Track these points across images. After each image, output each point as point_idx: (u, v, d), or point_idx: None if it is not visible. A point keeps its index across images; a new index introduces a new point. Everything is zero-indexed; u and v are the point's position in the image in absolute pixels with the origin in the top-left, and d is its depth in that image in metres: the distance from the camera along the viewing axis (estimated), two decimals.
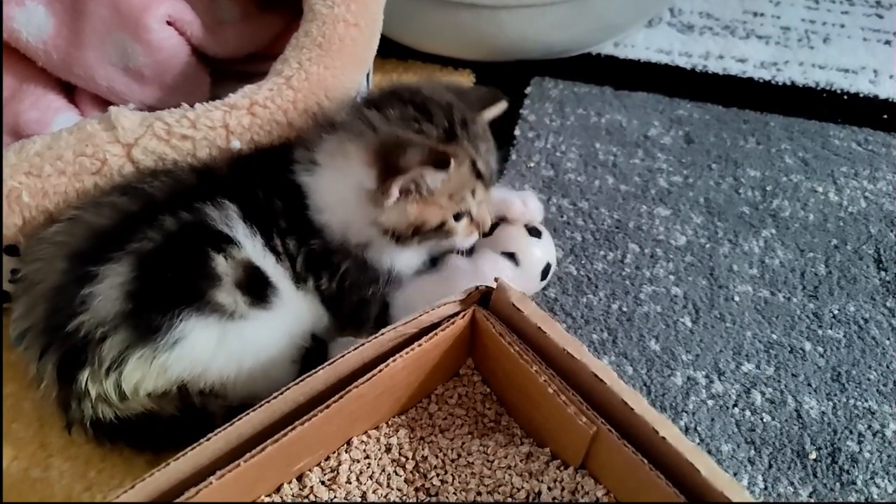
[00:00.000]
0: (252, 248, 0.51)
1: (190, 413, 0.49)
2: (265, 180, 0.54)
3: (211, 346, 0.48)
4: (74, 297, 0.46)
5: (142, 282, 0.46)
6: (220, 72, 0.74)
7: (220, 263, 0.49)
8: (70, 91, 0.71)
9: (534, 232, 0.62)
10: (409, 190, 0.51)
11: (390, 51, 0.89)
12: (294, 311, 0.53)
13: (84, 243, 0.48)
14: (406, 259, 0.57)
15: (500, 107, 0.59)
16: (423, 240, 0.54)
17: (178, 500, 0.40)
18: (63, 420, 0.50)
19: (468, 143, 0.53)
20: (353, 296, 0.55)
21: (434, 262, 0.60)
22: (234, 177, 0.54)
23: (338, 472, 0.48)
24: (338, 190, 0.52)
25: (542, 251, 0.61)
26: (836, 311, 0.64)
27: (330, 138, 0.53)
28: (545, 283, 0.63)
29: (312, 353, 0.54)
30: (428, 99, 0.54)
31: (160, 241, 0.48)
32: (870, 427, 0.56)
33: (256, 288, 0.50)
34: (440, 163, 0.49)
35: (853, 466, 0.53)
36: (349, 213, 0.53)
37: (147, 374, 0.47)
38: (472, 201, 0.54)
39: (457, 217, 0.54)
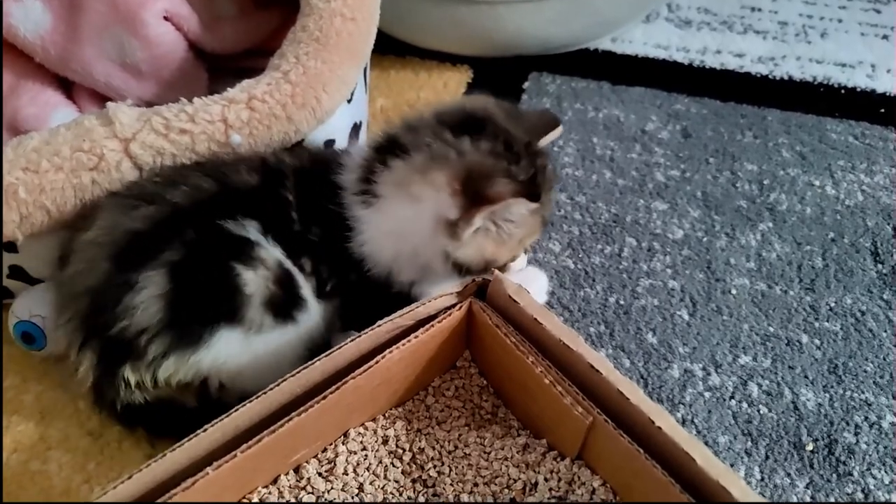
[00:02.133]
0: (275, 252, 0.50)
1: (208, 404, 0.50)
2: (303, 206, 0.51)
3: (237, 351, 0.49)
4: (117, 303, 0.47)
5: (179, 293, 0.47)
6: (218, 67, 0.74)
7: (249, 279, 0.48)
8: (68, 87, 0.71)
9: None
10: (489, 228, 0.50)
11: (388, 46, 0.89)
12: (314, 319, 0.52)
13: (123, 245, 0.48)
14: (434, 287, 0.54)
15: (557, 132, 0.58)
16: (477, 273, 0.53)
17: (174, 491, 0.40)
18: (97, 405, 0.51)
19: (544, 194, 0.53)
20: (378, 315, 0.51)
21: None
22: (262, 190, 0.51)
23: (335, 464, 0.48)
24: (405, 220, 0.50)
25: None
26: (832, 304, 0.64)
27: (399, 165, 0.50)
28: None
29: (321, 348, 0.54)
30: (515, 137, 0.52)
31: (186, 251, 0.48)
32: (866, 419, 0.56)
33: (284, 305, 0.50)
34: (532, 195, 0.48)
35: (850, 458, 0.53)
36: (412, 247, 0.51)
37: (181, 369, 0.49)
38: (529, 245, 0.55)
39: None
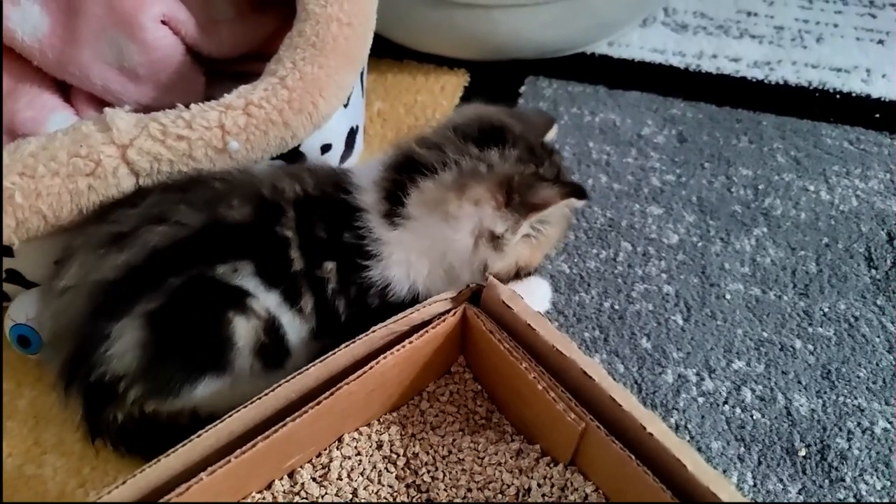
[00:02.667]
0: (266, 300, 0.48)
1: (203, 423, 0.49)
2: (308, 241, 0.49)
3: (223, 393, 0.48)
4: (95, 350, 0.46)
5: (157, 343, 0.46)
6: (215, 71, 0.74)
7: (241, 328, 0.47)
8: (65, 90, 0.71)
9: None
10: (528, 234, 0.50)
11: (385, 50, 0.90)
12: (304, 358, 0.50)
13: (100, 294, 0.47)
14: None
15: (554, 130, 0.59)
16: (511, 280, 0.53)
17: (169, 496, 0.41)
18: (88, 436, 0.50)
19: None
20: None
21: None
22: (257, 231, 0.49)
23: (329, 469, 0.48)
24: (441, 241, 0.49)
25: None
26: (826, 309, 0.64)
27: (429, 185, 0.49)
28: None
29: None
30: (532, 142, 0.52)
31: (168, 300, 0.46)
32: (859, 424, 0.56)
33: (273, 352, 0.49)
34: (580, 192, 0.49)
35: (842, 463, 0.53)
36: (447, 263, 0.50)
37: (164, 407, 0.48)
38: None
39: None
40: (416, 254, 0.50)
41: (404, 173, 0.50)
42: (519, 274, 0.52)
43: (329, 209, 0.50)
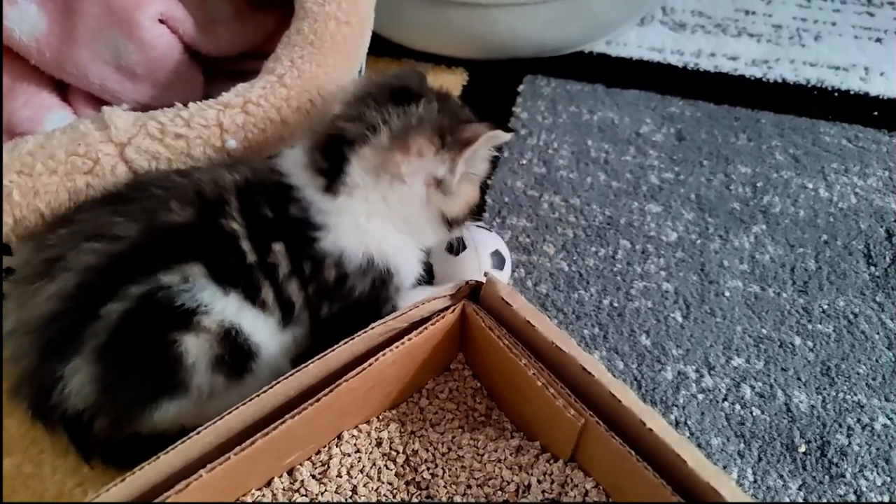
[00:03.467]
0: (224, 306, 0.46)
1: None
2: (255, 228, 0.48)
3: (193, 414, 0.47)
4: (51, 391, 0.45)
5: (110, 375, 0.45)
6: (213, 70, 0.74)
7: (191, 346, 0.45)
8: (63, 89, 0.71)
9: (499, 259, 0.62)
10: (466, 172, 0.52)
11: (383, 49, 0.90)
12: (274, 358, 0.50)
13: (44, 335, 0.45)
14: (414, 267, 0.55)
15: (428, 80, 0.60)
16: (467, 222, 0.56)
17: (167, 494, 0.40)
18: (82, 458, 0.51)
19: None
20: (363, 315, 0.50)
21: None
22: (198, 227, 0.47)
23: (328, 466, 0.48)
24: (393, 201, 0.50)
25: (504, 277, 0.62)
26: (825, 306, 0.64)
27: (366, 150, 0.50)
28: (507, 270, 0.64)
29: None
30: (432, 92, 0.55)
31: (113, 328, 0.44)
32: (859, 420, 0.56)
33: (236, 361, 0.47)
34: (505, 127, 0.52)
35: (842, 459, 0.53)
36: (403, 220, 0.51)
37: (138, 428, 0.48)
38: None
39: None
40: (367, 218, 0.51)
41: (335, 149, 0.51)
42: (470, 212, 0.55)
43: (270, 190, 0.50)
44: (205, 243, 0.47)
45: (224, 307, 0.46)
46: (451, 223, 0.53)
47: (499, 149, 0.78)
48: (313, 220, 0.49)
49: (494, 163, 0.77)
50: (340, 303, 0.51)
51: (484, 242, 0.62)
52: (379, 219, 0.51)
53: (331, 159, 0.51)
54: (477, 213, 0.58)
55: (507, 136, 0.52)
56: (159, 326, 0.45)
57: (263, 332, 0.49)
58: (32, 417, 0.48)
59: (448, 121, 0.51)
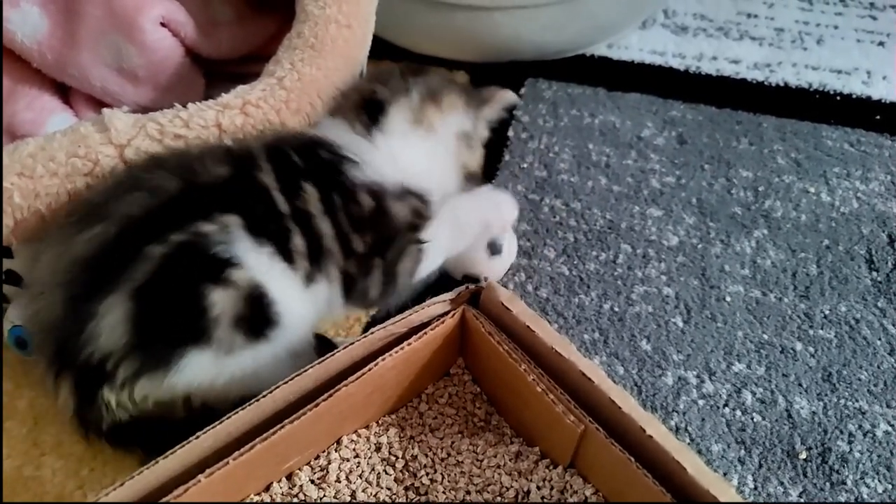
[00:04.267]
0: (257, 262, 0.48)
1: (199, 415, 0.49)
2: (285, 176, 0.50)
3: (211, 373, 0.48)
4: (80, 331, 0.45)
5: (143, 316, 0.46)
6: (214, 73, 0.74)
7: (218, 299, 0.46)
8: (65, 92, 0.71)
9: (494, 249, 0.62)
10: (481, 132, 0.61)
11: (384, 52, 0.89)
12: (294, 327, 0.50)
13: (75, 276, 0.46)
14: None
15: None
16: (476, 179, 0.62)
17: (166, 498, 0.40)
18: (82, 431, 0.50)
19: None
20: (395, 247, 0.53)
21: None
22: (233, 178, 0.49)
23: (327, 471, 0.48)
24: (430, 152, 0.57)
25: (502, 266, 0.63)
26: (827, 312, 0.64)
27: (402, 105, 0.57)
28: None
29: (319, 351, 0.53)
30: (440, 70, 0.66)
31: (152, 270, 0.46)
32: (860, 427, 0.56)
33: (255, 323, 0.48)
34: (512, 92, 0.63)
35: (843, 466, 0.53)
36: (436, 173, 0.58)
37: (155, 390, 0.48)
38: None
39: None
40: (405, 153, 0.56)
41: (372, 108, 0.57)
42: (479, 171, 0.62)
43: (298, 142, 0.54)
44: (240, 196, 0.49)
45: (256, 263, 0.48)
46: (470, 177, 0.61)
47: (500, 152, 0.78)
48: (345, 155, 0.53)
49: (496, 166, 0.77)
50: (374, 233, 0.52)
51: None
52: (417, 156, 0.56)
53: (370, 113, 0.57)
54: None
55: (514, 98, 0.64)
56: (192, 276, 0.46)
57: (289, 293, 0.49)
58: (49, 370, 0.48)
59: (463, 86, 0.62)
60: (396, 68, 0.61)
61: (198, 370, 0.47)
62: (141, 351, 0.46)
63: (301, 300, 0.50)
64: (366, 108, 0.57)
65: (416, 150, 0.56)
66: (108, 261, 0.46)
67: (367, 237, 0.52)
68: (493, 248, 0.62)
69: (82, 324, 0.45)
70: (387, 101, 0.57)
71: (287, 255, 0.49)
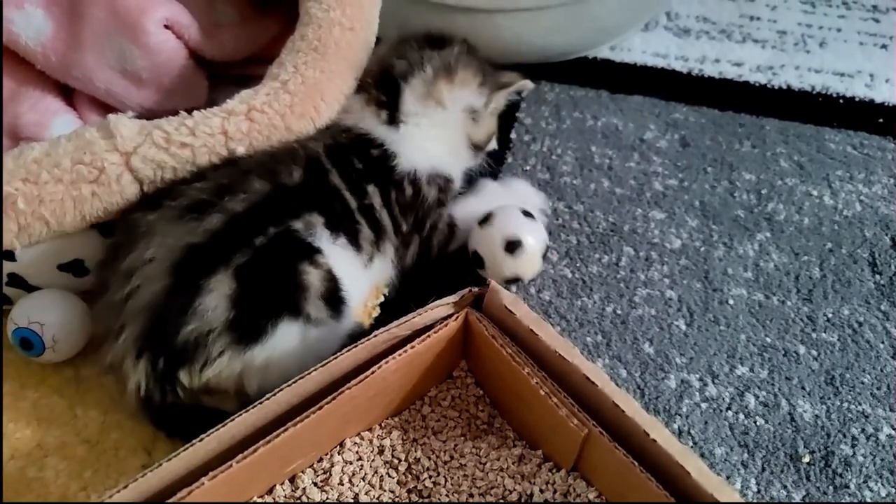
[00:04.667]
0: (331, 251, 0.55)
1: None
2: (349, 177, 0.58)
3: (294, 345, 0.51)
4: (185, 308, 0.48)
5: (244, 291, 0.50)
6: (218, 75, 0.74)
7: (312, 274, 0.52)
8: (68, 94, 0.71)
9: (529, 215, 0.64)
10: (494, 108, 0.65)
11: None
12: (355, 303, 0.57)
13: (185, 258, 0.50)
14: (460, 180, 0.67)
15: None
16: (484, 150, 0.68)
17: (170, 501, 0.40)
18: (146, 413, 0.52)
19: None
20: (429, 224, 0.63)
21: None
22: (310, 184, 0.56)
23: (330, 474, 0.48)
24: (438, 125, 0.62)
25: (540, 232, 0.64)
26: (830, 315, 0.64)
27: (414, 82, 0.62)
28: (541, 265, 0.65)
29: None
30: (462, 41, 0.67)
31: (253, 254, 0.51)
32: (863, 430, 0.56)
33: (334, 301, 0.54)
34: (526, 78, 0.66)
35: (847, 470, 0.53)
36: (445, 142, 0.63)
37: (230, 366, 0.50)
38: None
39: None
40: (425, 140, 0.62)
41: (389, 83, 0.62)
42: (489, 139, 0.67)
43: (352, 145, 0.60)
44: (318, 195, 0.56)
45: (330, 252, 0.55)
46: (476, 147, 0.66)
47: (502, 155, 0.78)
48: (390, 152, 0.60)
49: (500, 164, 0.77)
50: (414, 214, 0.62)
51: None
52: (433, 141, 0.62)
53: (387, 93, 0.62)
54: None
55: (531, 86, 0.68)
56: (290, 257, 0.52)
57: (353, 276, 0.56)
58: (132, 351, 0.49)
59: (483, 63, 0.65)
60: (415, 38, 0.65)
61: (284, 341, 0.50)
62: (239, 325, 0.49)
63: (360, 279, 0.58)
64: (383, 87, 0.62)
65: (430, 132, 0.62)
66: (216, 248, 0.50)
67: (410, 218, 0.62)
68: (510, 246, 0.61)
69: (188, 302, 0.48)
70: (403, 77, 0.61)
71: (356, 245, 0.58)
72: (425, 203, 0.62)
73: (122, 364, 0.50)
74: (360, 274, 0.58)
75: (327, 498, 0.47)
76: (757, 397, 0.58)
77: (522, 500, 0.47)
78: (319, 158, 0.58)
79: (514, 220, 0.62)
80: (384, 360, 0.47)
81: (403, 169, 0.60)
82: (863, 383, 0.59)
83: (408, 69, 0.62)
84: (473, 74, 0.63)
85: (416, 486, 0.49)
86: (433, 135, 0.62)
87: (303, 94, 0.59)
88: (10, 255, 0.54)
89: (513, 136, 0.81)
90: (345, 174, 0.58)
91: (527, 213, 0.63)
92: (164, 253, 0.50)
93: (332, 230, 0.55)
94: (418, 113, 0.61)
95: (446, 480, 0.49)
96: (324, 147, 0.59)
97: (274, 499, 0.47)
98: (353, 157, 0.59)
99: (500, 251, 0.61)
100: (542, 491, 0.47)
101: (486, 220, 0.63)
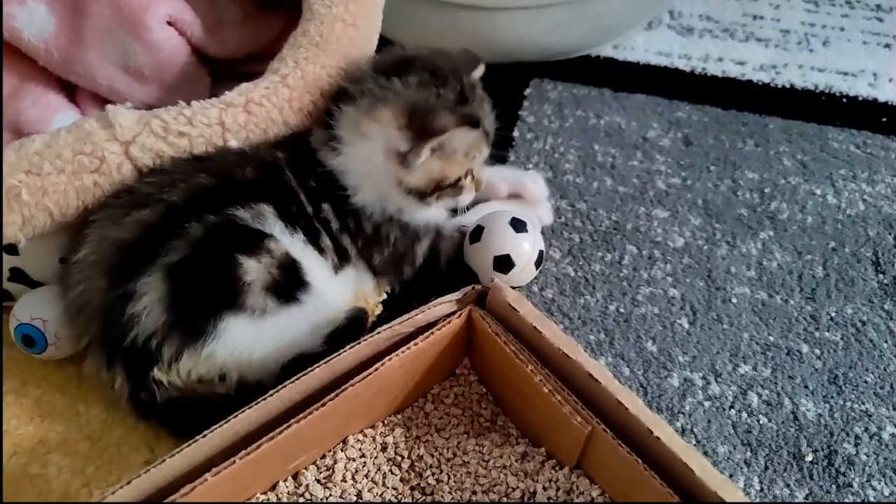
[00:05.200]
0: (290, 243, 0.53)
1: (240, 390, 0.51)
2: (304, 184, 0.56)
3: (250, 338, 0.50)
4: (122, 315, 0.48)
5: (178, 293, 0.49)
6: (220, 72, 0.74)
7: (251, 268, 0.50)
8: (70, 90, 0.71)
9: (519, 226, 0.61)
10: (434, 149, 0.55)
11: None
12: (326, 298, 0.55)
13: (115, 259, 0.50)
14: (434, 212, 0.62)
15: (481, 69, 0.63)
16: (441, 196, 0.59)
17: (173, 497, 0.40)
18: (135, 413, 0.52)
19: (477, 105, 0.58)
20: (412, 258, 0.60)
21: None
22: (264, 181, 0.54)
23: (333, 471, 0.48)
24: (366, 158, 0.56)
25: (530, 244, 0.62)
26: (833, 314, 0.64)
27: (350, 110, 0.56)
28: (540, 269, 0.65)
29: (350, 326, 0.56)
30: (437, 66, 0.57)
31: (188, 250, 0.49)
32: (867, 429, 0.56)
33: (287, 288, 0.52)
34: (473, 122, 0.55)
35: (850, 469, 0.53)
36: (379, 181, 0.56)
37: (198, 363, 0.50)
38: (478, 159, 0.59)
39: (465, 174, 0.59)
40: (356, 176, 0.57)
41: (336, 104, 0.57)
42: (441, 186, 0.58)
43: (311, 162, 0.57)
44: (273, 191, 0.54)
45: (289, 243, 0.53)
46: (414, 193, 0.57)
47: (505, 153, 0.78)
48: (342, 183, 0.56)
49: (503, 162, 0.76)
50: (385, 250, 0.59)
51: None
52: (367, 176, 0.57)
53: (329, 112, 0.57)
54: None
55: (473, 133, 0.56)
56: (226, 249, 0.50)
57: (318, 273, 0.55)
58: (99, 359, 0.50)
59: (425, 103, 0.54)
60: (370, 64, 0.60)
61: (235, 336, 0.49)
62: (180, 327, 0.48)
63: (330, 282, 0.56)
64: (331, 104, 0.57)
65: (359, 166, 0.56)
66: (148, 243, 0.49)
67: (381, 254, 0.59)
68: (500, 264, 0.61)
69: (123, 307, 0.48)
70: (345, 101, 0.56)
71: (318, 248, 0.56)
72: (391, 242, 0.59)
73: (99, 375, 0.51)
74: (329, 276, 0.57)
75: (330, 495, 0.47)
76: (760, 396, 0.58)
77: (525, 498, 0.47)
78: (279, 164, 0.56)
79: (503, 235, 0.60)
80: (387, 357, 0.47)
81: (358, 203, 0.57)
82: (866, 382, 0.59)
83: (350, 95, 0.56)
84: (394, 114, 0.54)
85: (419, 484, 0.49)
86: (362, 170, 0.56)
87: (302, 89, 0.59)
88: (13, 250, 0.54)
89: (515, 133, 0.81)
90: (302, 184, 0.56)
91: (517, 223, 0.61)
92: (98, 253, 0.50)
93: (287, 223, 0.53)
94: (348, 141, 0.56)
95: (449, 478, 0.49)
96: (285, 160, 0.57)
97: (277, 495, 0.47)
98: (309, 175, 0.57)
99: (489, 268, 0.60)
100: (545, 489, 0.47)
101: (475, 235, 0.61)
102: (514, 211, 0.63)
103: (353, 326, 0.56)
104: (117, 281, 0.49)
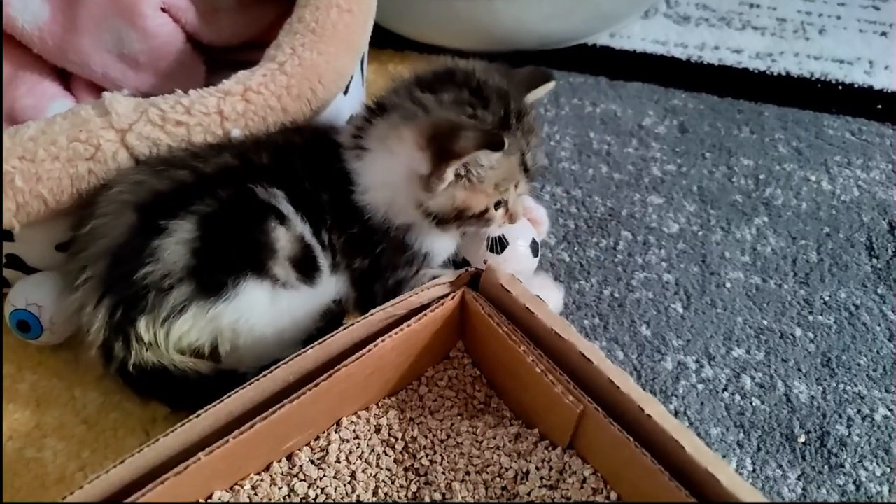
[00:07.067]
0: (302, 228, 0.53)
1: (222, 374, 0.51)
2: (310, 171, 0.55)
3: (260, 308, 0.50)
4: (144, 248, 0.48)
5: (206, 241, 0.49)
6: (216, 60, 0.74)
7: (281, 235, 0.51)
8: (65, 78, 0.71)
9: (494, 248, 0.59)
10: (460, 175, 0.51)
11: (387, 41, 0.90)
12: (327, 290, 0.55)
13: (151, 200, 0.50)
14: (442, 244, 0.57)
15: (548, 87, 0.59)
16: (463, 225, 0.54)
17: (166, 475, 0.41)
18: (104, 367, 0.51)
19: (521, 134, 0.53)
20: (388, 277, 0.56)
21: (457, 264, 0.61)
22: (276, 167, 0.54)
23: (327, 452, 0.48)
24: (387, 172, 0.53)
25: (524, 240, 0.60)
26: (826, 298, 0.64)
27: (380, 122, 0.53)
28: (538, 258, 0.63)
29: (335, 315, 0.56)
30: (484, 84, 0.53)
31: (219, 206, 0.50)
32: (859, 411, 0.56)
33: (306, 266, 0.52)
34: (495, 144, 0.48)
35: (842, 450, 0.53)
36: (396, 195, 0.53)
37: (196, 323, 0.49)
38: (513, 192, 0.54)
39: (496, 205, 0.54)
40: (375, 182, 0.54)
41: (372, 114, 0.55)
42: (462, 216, 0.53)
43: (323, 148, 0.56)
44: (285, 178, 0.53)
45: (301, 227, 0.53)
46: (434, 218, 0.53)
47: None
48: (350, 177, 0.54)
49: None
50: (369, 257, 0.55)
51: (523, 235, 0.61)
52: (385, 187, 0.53)
53: (365, 121, 0.55)
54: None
55: (495, 155, 0.50)
56: (258, 213, 0.50)
57: (324, 264, 0.54)
58: (96, 292, 0.49)
59: (450, 123, 0.49)
60: (414, 76, 0.56)
61: (249, 301, 0.49)
62: (198, 275, 0.48)
63: (329, 280, 0.55)
64: (367, 115, 0.55)
65: (378, 177, 0.53)
66: (181, 196, 0.50)
67: (364, 259, 0.56)
68: (535, 247, 0.60)
69: (146, 241, 0.48)
70: (378, 115, 0.54)
71: (320, 242, 0.54)
72: (377, 250, 0.55)
73: (83, 312, 0.49)
74: (328, 273, 0.55)
75: (324, 475, 0.48)
76: (753, 378, 0.58)
77: (518, 478, 0.47)
78: (290, 147, 0.55)
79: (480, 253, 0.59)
80: (381, 339, 0.47)
81: (359, 200, 0.54)
82: (859, 365, 0.59)
83: (385, 105, 0.54)
84: (416, 134, 0.50)
85: (412, 465, 0.49)
86: (382, 180, 0.53)
87: (300, 76, 0.58)
88: (9, 236, 0.54)
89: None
90: (308, 171, 0.55)
91: (496, 243, 0.59)
92: (131, 193, 0.50)
93: (296, 208, 0.53)
94: (374, 151, 0.53)
95: (443, 458, 0.49)
96: (298, 147, 0.56)
97: (271, 475, 0.47)
98: (319, 159, 0.55)
99: (483, 252, 0.59)
100: (537, 468, 0.47)
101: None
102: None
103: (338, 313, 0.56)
104: (148, 217, 0.48)
